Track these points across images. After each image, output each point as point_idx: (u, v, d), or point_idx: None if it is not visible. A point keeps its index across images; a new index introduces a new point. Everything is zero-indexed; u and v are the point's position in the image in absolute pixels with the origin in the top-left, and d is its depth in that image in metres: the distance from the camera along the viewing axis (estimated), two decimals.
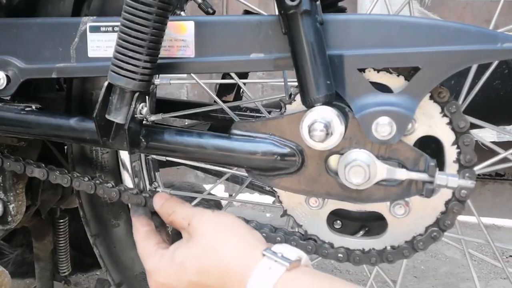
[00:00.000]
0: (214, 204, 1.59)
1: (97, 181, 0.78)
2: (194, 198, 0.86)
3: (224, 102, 0.94)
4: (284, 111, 0.68)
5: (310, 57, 0.59)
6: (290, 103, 0.68)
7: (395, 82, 0.63)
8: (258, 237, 0.64)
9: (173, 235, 0.75)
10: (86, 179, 0.79)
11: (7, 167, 0.82)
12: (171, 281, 0.64)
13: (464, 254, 0.80)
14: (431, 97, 0.63)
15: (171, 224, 0.70)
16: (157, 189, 0.89)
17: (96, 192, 0.78)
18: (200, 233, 0.63)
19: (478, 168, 0.69)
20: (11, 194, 0.89)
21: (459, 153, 0.64)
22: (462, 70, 0.59)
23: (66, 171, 0.81)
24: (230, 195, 2.31)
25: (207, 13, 0.91)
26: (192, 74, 0.77)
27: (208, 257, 0.61)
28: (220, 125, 1.04)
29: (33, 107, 0.80)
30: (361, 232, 0.74)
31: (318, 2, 0.60)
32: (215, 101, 0.90)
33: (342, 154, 0.64)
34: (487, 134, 1.39)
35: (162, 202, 0.71)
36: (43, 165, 0.81)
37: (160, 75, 0.77)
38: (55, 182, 0.80)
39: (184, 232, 0.67)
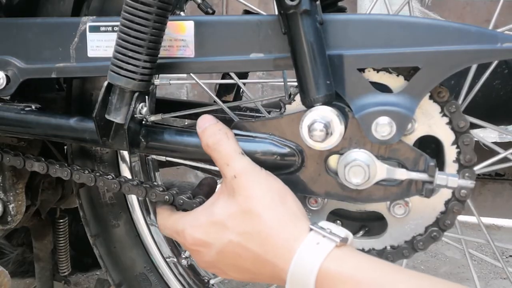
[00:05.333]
0: None
1: (97, 173, 0.78)
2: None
3: (224, 102, 0.94)
4: (284, 111, 0.68)
5: (310, 57, 0.59)
6: (290, 103, 0.68)
7: (394, 82, 0.63)
8: (303, 211, 0.61)
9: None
10: (86, 171, 0.78)
11: (6, 162, 0.81)
12: (210, 237, 0.60)
13: (464, 254, 0.80)
14: (431, 97, 0.63)
15: (210, 157, 0.64)
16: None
17: (97, 184, 0.77)
18: (246, 194, 0.59)
19: (478, 168, 0.69)
20: (11, 194, 0.89)
21: (458, 153, 0.64)
22: (462, 70, 0.59)
23: (66, 164, 0.80)
24: None
25: (207, 13, 0.91)
26: (192, 74, 0.77)
27: (252, 222, 0.57)
28: None
29: (33, 107, 0.80)
30: (361, 232, 0.74)
31: (318, 2, 0.60)
32: (214, 101, 0.90)
33: (341, 154, 0.64)
34: (489, 134, 1.40)
35: (205, 126, 0.64)
36: (43, 159, 0.81)
37: (159, 75, 0.77)
38: (55, 175, 0.79)
39: (225, 180, 0.62)
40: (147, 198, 0.75)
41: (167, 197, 0.72)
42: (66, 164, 0.80)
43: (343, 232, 0.57)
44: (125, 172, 0.86)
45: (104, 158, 0.86)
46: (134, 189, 0.74)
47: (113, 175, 0.78)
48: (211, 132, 0.64)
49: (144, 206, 0.88)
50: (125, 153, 0.86)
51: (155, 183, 0.76)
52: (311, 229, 0.57)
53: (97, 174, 0.77)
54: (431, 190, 0.61)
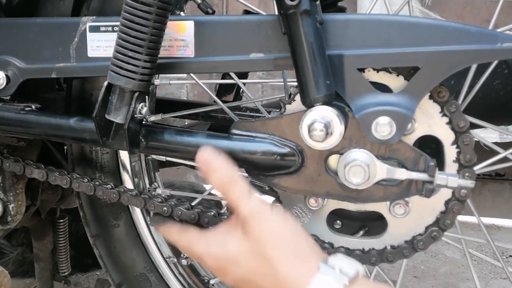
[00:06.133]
0: (214, 204, 1.59)
1: (97, 182, 0.78)
2: (194, 198, 0.86)
3: (224, 102, 0.94)
4: (284, 111, 0.68)
5: (310, 57, 0.59)
6: (290, 103, 0.68)
7: (394, 81, 0.63)
8: (314, 247, 0.61)
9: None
10: (86, 180, 0.79)
11: (6, 168, 0.82)
12: (226, 269, 0.62)
13: (464, 254, 0.80)
14: (431, 97, 0.63)
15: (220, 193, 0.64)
16: (157, 190, 0.89)
17: (96, 193, 0.78)
18: (257, 237, 0.60)
19: (478, 168, 0.69)
20: (11, 194, 0.89)
21: (458, 153, 0.64)
22: (462, 70, 0.59)
23: (65, 172, 0.81)
24: None
25: (207, 13, 0.91)
26: (192, 74, 0.77)
27: (263, 264, 0.59)
28: (220, 125, 1.04)
29: (33, 107, 0.80)
30: (361, 232, 0.74)
31: (317, 2, 0.60)
32: (214, 101, 0.90)
33: (341, 154, 0.64)
34: (489, 134, 1.40)
35: (209, 167, 0.62)
36: (43, 166, 0.81)
37: (159, 75, 0.77)
38: (55, 183, 0.80)
39: (237, 216, 0.62)
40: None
41: (165, 208, 0.74)
42: (65, 172, 0.80)
43: (353, 268, 0.57)
44: (125, 176, 0.86)
45: (105, 164, 0.86)
46: (133, 200, 0.76)
47: (113, 185, 0.78)
48: (217, 177, 0.62)
49: None
50: (126, 159, 0.86)
51: (153, 193, 0.77)
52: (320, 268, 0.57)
53: (97, 183, 0.78)
54: (431, 190, 0.61)
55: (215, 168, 0.62)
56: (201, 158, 0.63)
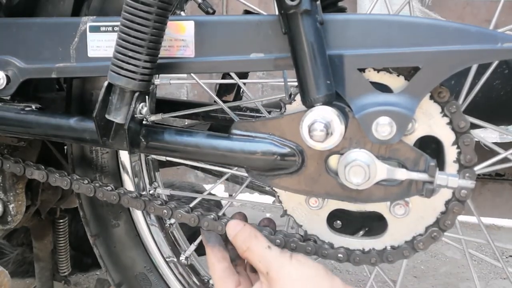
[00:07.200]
0: (214, 204, 1.59)
1: (97, 184, 0.78)
2: (194, 198, 0.87)
3: (224, 102, 0.94)
4: (284, 111, 0.68)
5: (310, 57, 0.59)
6: (290, 103, 0.68)
7: (395, 82, 0.63)
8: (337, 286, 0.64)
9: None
10: (86, 181, 0.79)
11: (6, 169, 0.82)
12: None
13: (464, 254, 0.80)
14: (431, 97, 0.63)
15: (246, 259, 0.69)
16: (157, 189, 0.89)
17: (96, 195, 0.78)
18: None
19: (478, 168, 0.69)
20: (11, 194, 0.89)
21: (459, 153, 0.64)
22: (462, 70, 0.59)
23: (65, 173, 0.81)
24: (230, 195, 2.32)
25: (207, 13, 0.91)
26: (192, 74, 0.77)
27: None
28: (220, 125, 1.04)
29: (33, 107, 0.80)
30: (361, 232, 0.74)
31: (318, 2, 0.60)
32: (215, 101, 0.90)
33: (342, 154, 0.64)
34: (490, 135, 1.39)
35: (235, 233, 0.69)
36: (43, 167, 0.81)
37: (160, 75, 0.77)
38: (55, 184, 0.80)
39: (261, 275, 0.66)
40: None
41: (165, 211, 0.73)
42: (66, 173, 0.80)
43: None
44: (125, 176, 0.86)
45: (105, 164, 0.86)
46: (133, 202, 0.76)
47: (113, 186, 0.78)
48: (241, 239, 0.68)
49: None
50: (126, 159, 0.86)
51: (154, 196, 0.77)
52: None
53: (97, 184, 0.78)
54: (432, 190, 0.61)
55: (238, 233, 0.68)
56: (227, 230, 0.70)
